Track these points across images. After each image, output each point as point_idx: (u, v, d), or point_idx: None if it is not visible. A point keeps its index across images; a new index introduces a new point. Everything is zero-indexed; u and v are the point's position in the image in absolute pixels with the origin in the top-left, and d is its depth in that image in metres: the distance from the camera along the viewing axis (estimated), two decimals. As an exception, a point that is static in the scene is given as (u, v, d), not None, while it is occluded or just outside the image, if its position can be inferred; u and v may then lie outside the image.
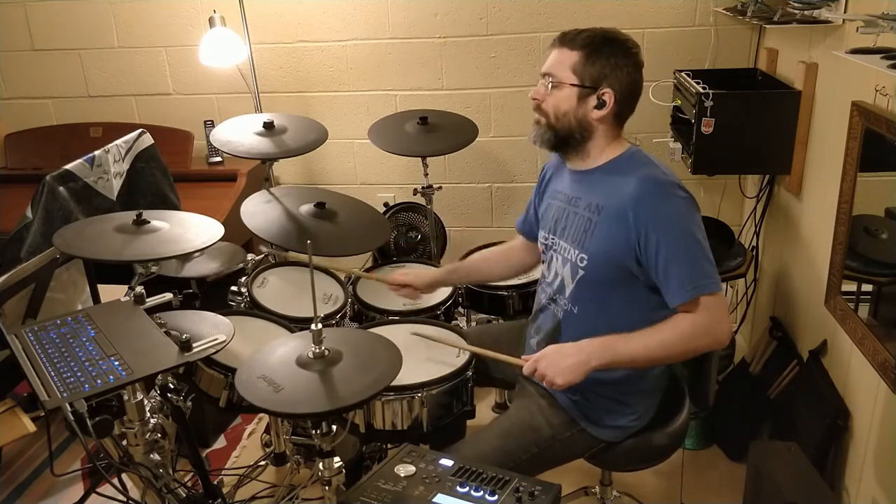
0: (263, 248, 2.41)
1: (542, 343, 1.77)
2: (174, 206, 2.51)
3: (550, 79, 1.61)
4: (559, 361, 1.54)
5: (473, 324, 2.57)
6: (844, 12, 1.93)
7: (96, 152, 2.26)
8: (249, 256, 2.40)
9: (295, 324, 2.02)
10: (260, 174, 3.10)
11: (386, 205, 3.11)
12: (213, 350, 1.52)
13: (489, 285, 2.30)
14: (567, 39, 1.60)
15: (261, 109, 3.17)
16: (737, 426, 2.47)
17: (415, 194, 2.76)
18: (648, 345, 1.54)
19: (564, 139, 1.65)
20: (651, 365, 1.64)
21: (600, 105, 1.59)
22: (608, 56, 1.57)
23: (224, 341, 1.55)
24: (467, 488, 1.31)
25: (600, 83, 1.58)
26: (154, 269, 1.74)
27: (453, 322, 2.30)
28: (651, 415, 1.76)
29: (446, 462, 1.40)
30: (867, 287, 1.95)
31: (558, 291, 1.72)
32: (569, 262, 1.68)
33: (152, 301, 1.72)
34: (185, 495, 1.74)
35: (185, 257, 2.32)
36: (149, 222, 1.78)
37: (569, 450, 1.73)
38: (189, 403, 1.75)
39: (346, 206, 2.20)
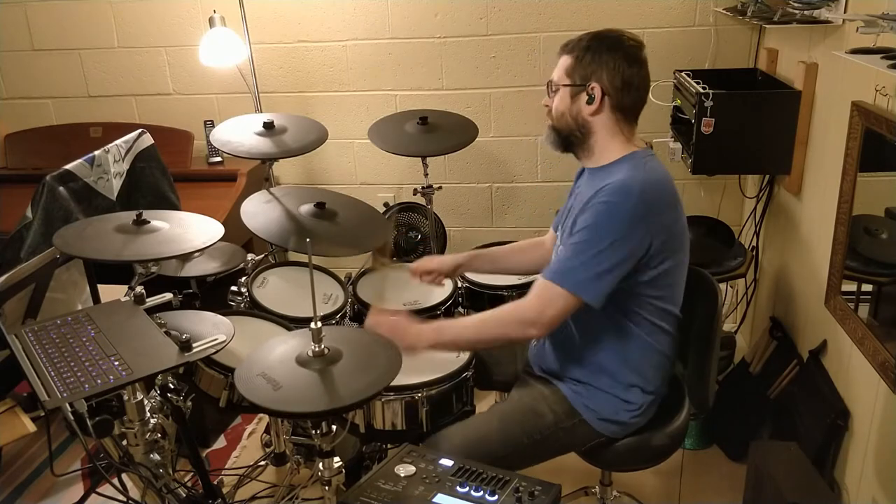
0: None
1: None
2: (174, 206, 2.51)
3: (552, 86, 1.71)
4: (405, 329, 1.65)
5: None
6: (844, 12, 1.93)
7: (96, 152, 2.26)
8: (249, 256, 2.40)
9: (295, 324, 2.02)
10: (260, 174, 3.10)
11: (386, 205, 3.10)
12: (213, 350, 1.52)
13: (489, 285, 2.31)
14: (564, 46, 1.70)
15: (261, 109, 3.17)
16: (737, 426, 2.47)
17: (415, 194, 2.76)
18: (467, 323, 1.66)
19: (566, 138, 1.72)
20: (474, 347, 1.70)
21: (590, 100, 1.65)
22: (595, 52, 1.64)
23: (224, 341, 1.55)
24: (467, 488, 1.31)
25: (588, 79, 1.64)
26: (154, 269, 1.74)
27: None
28: (651, 414, 1.76)
29: (446, 462, 1.40)
30: (867, 287, 1.95)
31: None
32: (555, 254, 1.75)
33: (152, 301, 1.72)
34: (185, 495, 1.74)
35: (185, 257, 2.32)
36: (149, 222, 1.78)
37: (569, 439, 1.74)
38: (189, 403, 1.75)
39: (346, 206, 2.20)
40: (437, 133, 2.68)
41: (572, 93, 1.67)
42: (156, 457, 1.64)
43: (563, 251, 1.61)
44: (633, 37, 1.66)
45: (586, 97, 1.65)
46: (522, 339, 1.59)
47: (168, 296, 1.79)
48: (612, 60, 1.62)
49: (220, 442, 2.70)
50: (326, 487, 1.56)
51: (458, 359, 1.85)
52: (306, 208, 2.09)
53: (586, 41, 1.66)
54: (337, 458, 1.56)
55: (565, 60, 1.68)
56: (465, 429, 1.70)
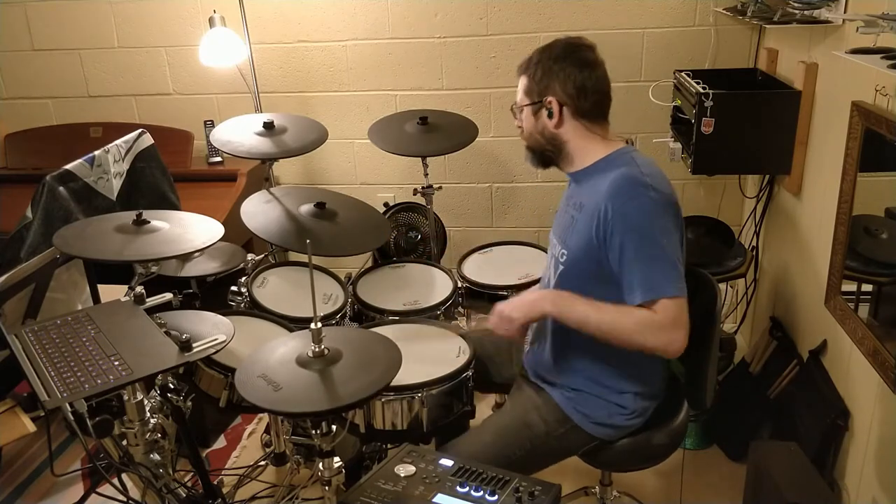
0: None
1: (532, 335, 1.85)
2: (174, 206, 2.51)
3: (515, 108, 1.74)
4: (518, 300, 1.66)
5: (473, 324, 2.57)
6: (844, 12, 1.93)
7: (96, 152, 2.26)
8: (249, 256, 2.40)
9: (295, 324, 2.02)
10: (260, 174, 3.10)
11: (386, 205, 3.10)
12: (213, 350, 1.52)
13: (489, 285, 2.30)
14: (520, 67, 1.72)
15: (261, 109, 3.17)
16: (737, 426, 2.47)
17: (415, 194, 2.76)
18: (602, 318, 1.56)
19: (541, 154, 1.74)
20: (596, 337, 1.61)
21: (550, 114, 1.65)
22: (544, 66, 1.65)
23: (224, 341, 1.55)
24: (467, 488, 1.31)
25: (543, 94, 1.66)
26: (154, 269, 1.74)
27: (453, 322, 2.30)
28: (647, 416, 1.76)
29: (446, 462, 1.40)
30: (867, 287, 1.95)
31: (545, 287, 1.78)
32: (553, 258, 1.73)
33: (152, 301, 1.72)
34: (185, 495, 1.74)
35: (185, 257, 2.32)
36: (149, 222, 1.78)
37: (563, 446, 1.74)
38: (189, 403, 1.75)
39: (346, 206, 2.20)
40: (437, 133, 2.67)
41: (533, 111, 1.68)
42: (156, 457, 1.64)
43: (632, 268, 1.53)
44: (581, 41, 1.66)
45: (546, 112, 1.65)
46: (659, 351, 1.54)
47: (168, 296, 1.79)
48: (561, 70, 1.63)
49: (220, 442, 2.70)
50: (326, 487, 1.56)
51: (457, 359, 1.85)
52: (306, 208, 2.10)
53: (535, 57, 1.67)
54: (337, 458, 1.56)
55: (522, 81, 1.70)
56: (457, 445, 1.71)
